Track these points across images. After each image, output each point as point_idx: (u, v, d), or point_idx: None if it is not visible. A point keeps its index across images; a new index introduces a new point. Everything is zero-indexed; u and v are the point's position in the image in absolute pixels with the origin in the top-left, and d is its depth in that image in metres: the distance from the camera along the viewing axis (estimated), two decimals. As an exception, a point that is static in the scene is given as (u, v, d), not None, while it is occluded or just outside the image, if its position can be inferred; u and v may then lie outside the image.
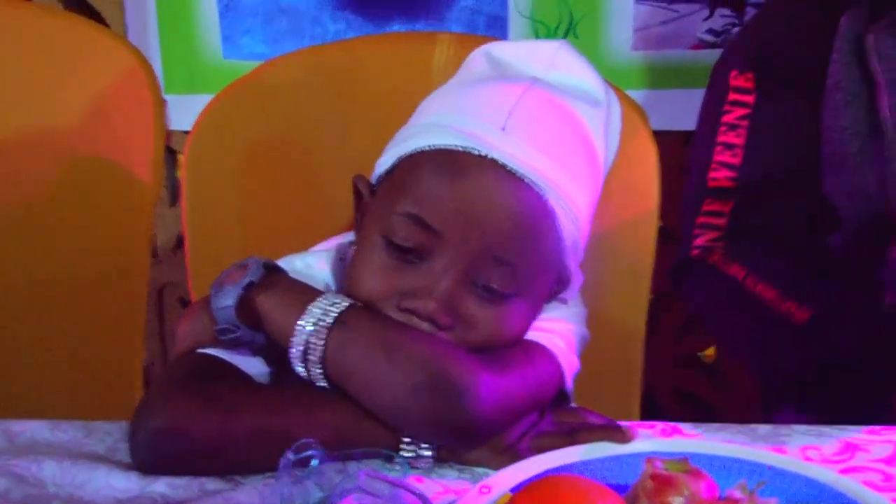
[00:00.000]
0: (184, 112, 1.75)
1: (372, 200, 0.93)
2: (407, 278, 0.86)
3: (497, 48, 0.96)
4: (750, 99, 1.26)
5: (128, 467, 0.82)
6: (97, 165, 1.33)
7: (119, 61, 1.34)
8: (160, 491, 0.80)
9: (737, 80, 1.27)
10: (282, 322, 0.84)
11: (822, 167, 1.22)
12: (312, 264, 0.96)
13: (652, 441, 0.84)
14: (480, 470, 0.84)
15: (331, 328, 0.82)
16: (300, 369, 0.84)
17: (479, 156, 0.85)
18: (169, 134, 1.85)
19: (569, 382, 0.94)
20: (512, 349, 0.89)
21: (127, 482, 0.80)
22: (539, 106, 0.88)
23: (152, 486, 0.80)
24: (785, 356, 1.24)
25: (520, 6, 1.76)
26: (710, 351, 2.05)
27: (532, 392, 0.88)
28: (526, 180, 0.85)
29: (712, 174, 1.27)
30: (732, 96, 1.27)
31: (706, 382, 1.96)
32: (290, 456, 0.72)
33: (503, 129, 0.85)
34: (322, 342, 0.82)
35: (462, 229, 0.84)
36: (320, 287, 0.91)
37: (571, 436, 0.84)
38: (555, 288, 0.94)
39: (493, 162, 0.85)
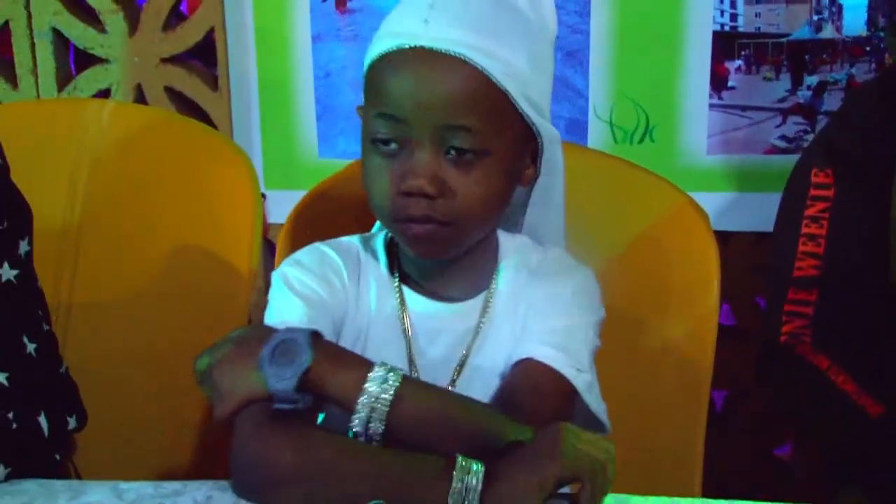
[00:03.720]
0: (282, 206, 1.84)
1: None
2: (397, 168, 0.99)
3: None
4: (830, 193, 1.34)
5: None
6: (201, 253, 1.43)
7: (224, 159, 1.46)
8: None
9: (817, 177, 1.35)
10: (342, 398, 0.92)
11: (889, 254, 1.29)
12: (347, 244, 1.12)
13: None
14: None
15: (390, 406, 0.90)
16: (360, 434, 0.92)
17: (410, 48, 0.98)
18: (267, 227, 1.95)
19: (590, 401, 1.03)
20: (535, 394, 0.99)
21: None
22: None
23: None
24: (857, 448, 1.28)
25: (599, 112, 1.83)
26: (786, 449, 2.06)
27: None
28: (451, 54, 0.97)
29: (798, 264, 1.34)
30: (814, 192, 1.35)
31: (781, 479, 1.98)
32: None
33: (426, 21, 0.98)
34: (382, 422, 0.90)
35: (416, 112, 0.97)
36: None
37: None
38: (526, 140, 1.05)
39: (422, 49, 0.97)
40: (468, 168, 0.99)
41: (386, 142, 1.00)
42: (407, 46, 0.98)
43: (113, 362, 1.45)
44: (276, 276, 1.08)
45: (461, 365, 1.07)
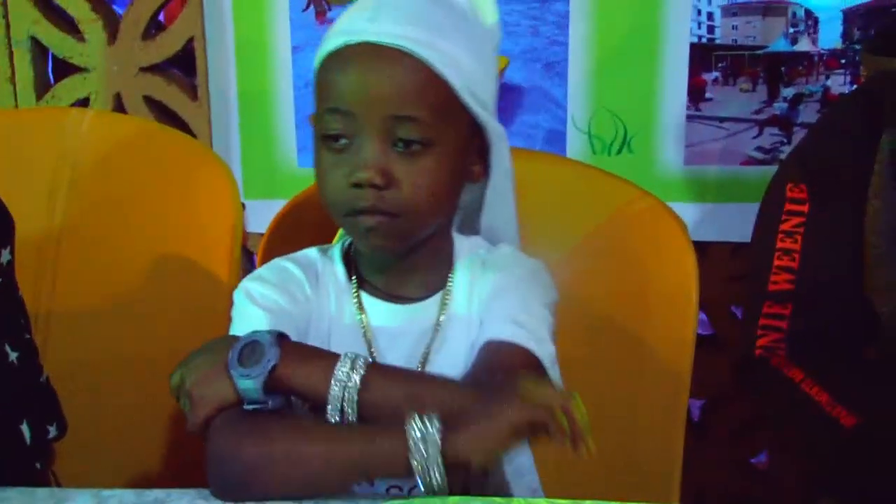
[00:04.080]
0: (261, 216, 1.85)
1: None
2: (346, 163, 1.01)
3: None
4: (804, 208, 1.34)
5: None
6: (182, 263, 1.44)
7: (205, 169, 1.46)
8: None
9: (792, 191, 1.35)
10: (311, 390, 0.95)
11: (864, 267, 1.31)
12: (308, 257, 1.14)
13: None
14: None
15: (359, 392, 0.94)
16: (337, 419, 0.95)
17: (357, 44, 1.01)
18: (247, 236, 1.95)
19: (553, 374, 1.04)
20: (501, 369, 0.99)
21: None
22: None
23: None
24: (831, 458, 1.30)
25: (577, 122, 1.84)
26: (763, 457, 2.08)
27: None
28: (395, 47, 1.00)
29: (773, 278, 1.35)
30: (788, 206, 1.35)
31: (758, 488, 1.98)
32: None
33: (371, 19, 1.01)
34: (354, 409, 0.94)
35: (364, 104, 1.00)
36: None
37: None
38: (472, 135, 1.07)
39: (368, 44, 1.01)
40: (415, 158, 1.01)
41: (336, 137, 1.02)
42: (353, 42, 1.01)
43: (92, 371, 1.45)
44: (237, 293, 1.09)
45: (422, 365, 1.09)
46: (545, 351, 1.04)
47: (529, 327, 1.04)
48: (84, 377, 1.42)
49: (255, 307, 1.06)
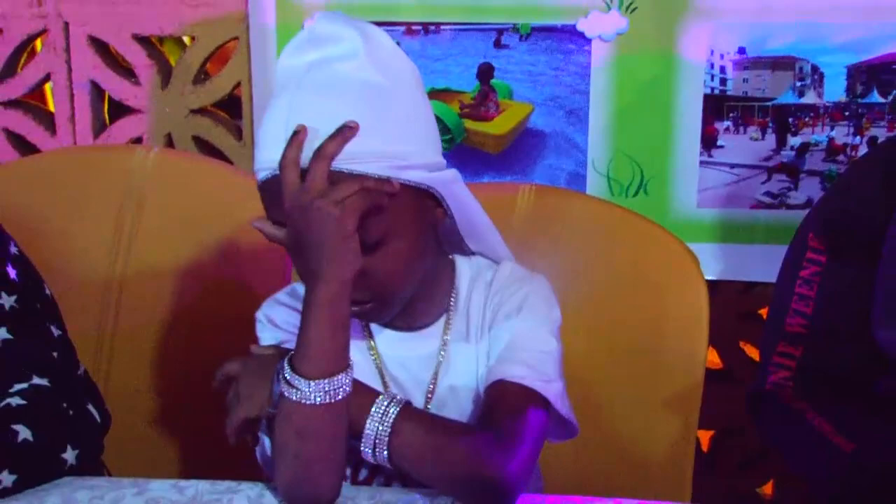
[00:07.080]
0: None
1: None
2: None
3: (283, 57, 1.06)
4: (822, 259, 1.40)
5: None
6: (238, 287, 1.51)
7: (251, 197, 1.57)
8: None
9: (813, 241, 1.41)
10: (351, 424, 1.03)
11: (875, 318, 1.34)
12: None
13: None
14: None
15: (389, 437, 1.01)
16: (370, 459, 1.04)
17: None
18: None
19: (561, 408, 1.10)
20: (513, 413, 1.06)
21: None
22: (306, 102, 1.01)
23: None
24: (833, 482, 1.38)
25: (597, 166, 1.93)
26: (769, 488, 2.15)
27: (539, 438, 1.07)
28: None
29: (789, 319, 1.40)
30: (809, 255, 1.41)
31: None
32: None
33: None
34: (385, 451, 1.02)
35: None
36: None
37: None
38: (423, 195, 1.06)
39: None
40: (377, 249, 1.03)
41: None
42: (279, 174, 0.99)
43: (151, 386, 1.54)
44: (259, 313, 1.17)
45: (433, 386, 1.15)
46: (552, 390, 1.09)
47: (537, 366, 1.09)
48: (143, 392, 1.51)
49: (270, 329, 1.15)
